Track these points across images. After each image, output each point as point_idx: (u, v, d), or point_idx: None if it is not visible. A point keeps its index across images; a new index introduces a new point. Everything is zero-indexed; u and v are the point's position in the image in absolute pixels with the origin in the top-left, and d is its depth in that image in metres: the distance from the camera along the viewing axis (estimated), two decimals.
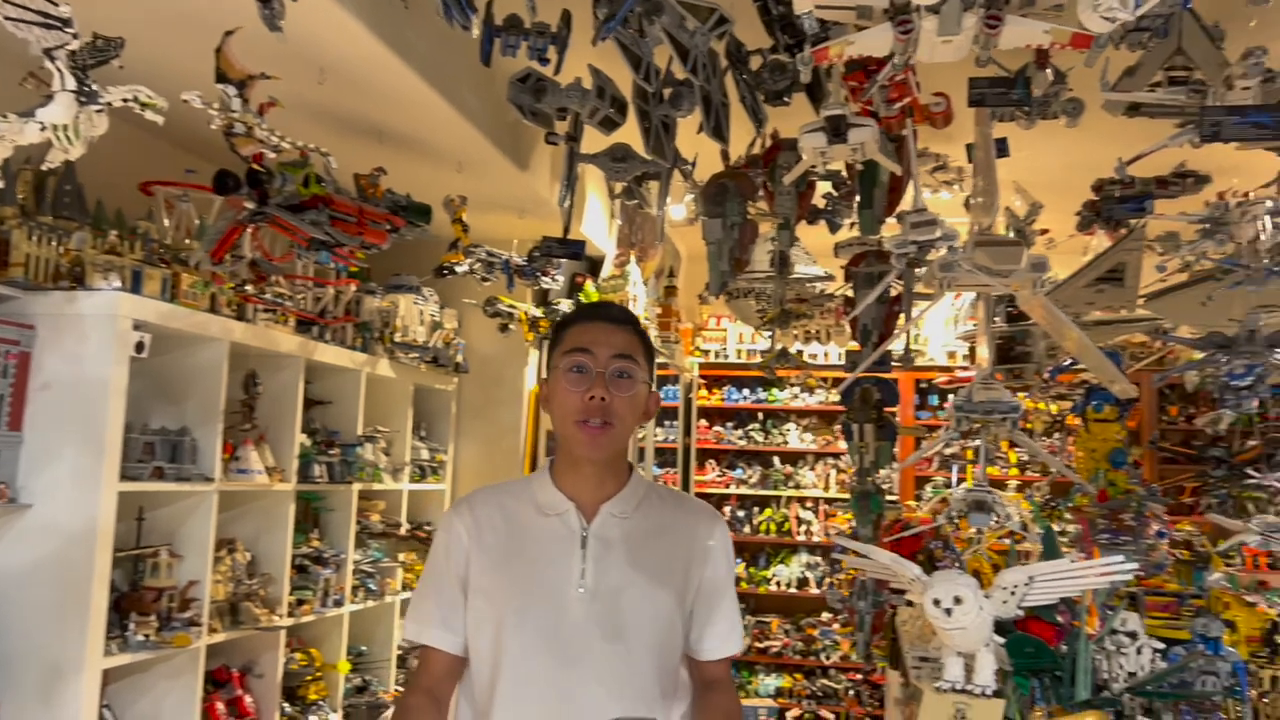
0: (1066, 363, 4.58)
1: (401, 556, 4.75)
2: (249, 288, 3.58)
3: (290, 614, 3.87)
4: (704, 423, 7.31)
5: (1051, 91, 3.09)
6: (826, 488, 7.14)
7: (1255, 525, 2.46)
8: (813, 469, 7.23)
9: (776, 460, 7.25)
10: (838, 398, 7.15)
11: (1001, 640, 2.18)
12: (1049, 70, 3.04)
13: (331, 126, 3.62)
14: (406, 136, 3.75)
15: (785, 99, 3.26)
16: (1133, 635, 2.28)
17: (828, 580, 6.87)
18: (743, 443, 7.28)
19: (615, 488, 1.85)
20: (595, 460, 1.81)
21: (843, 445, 7.21)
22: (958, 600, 2.04)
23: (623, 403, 1.79)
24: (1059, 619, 2.26)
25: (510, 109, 3.00)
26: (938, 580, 2.07)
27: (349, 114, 3.55)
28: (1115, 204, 3.73)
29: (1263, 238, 2.34)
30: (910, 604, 3.98)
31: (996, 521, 3.00)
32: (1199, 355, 5.36)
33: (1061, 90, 3.13)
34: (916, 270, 3.77)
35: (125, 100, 2.06)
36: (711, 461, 7.31)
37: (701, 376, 7.23)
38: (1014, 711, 2.14)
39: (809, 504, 7.15)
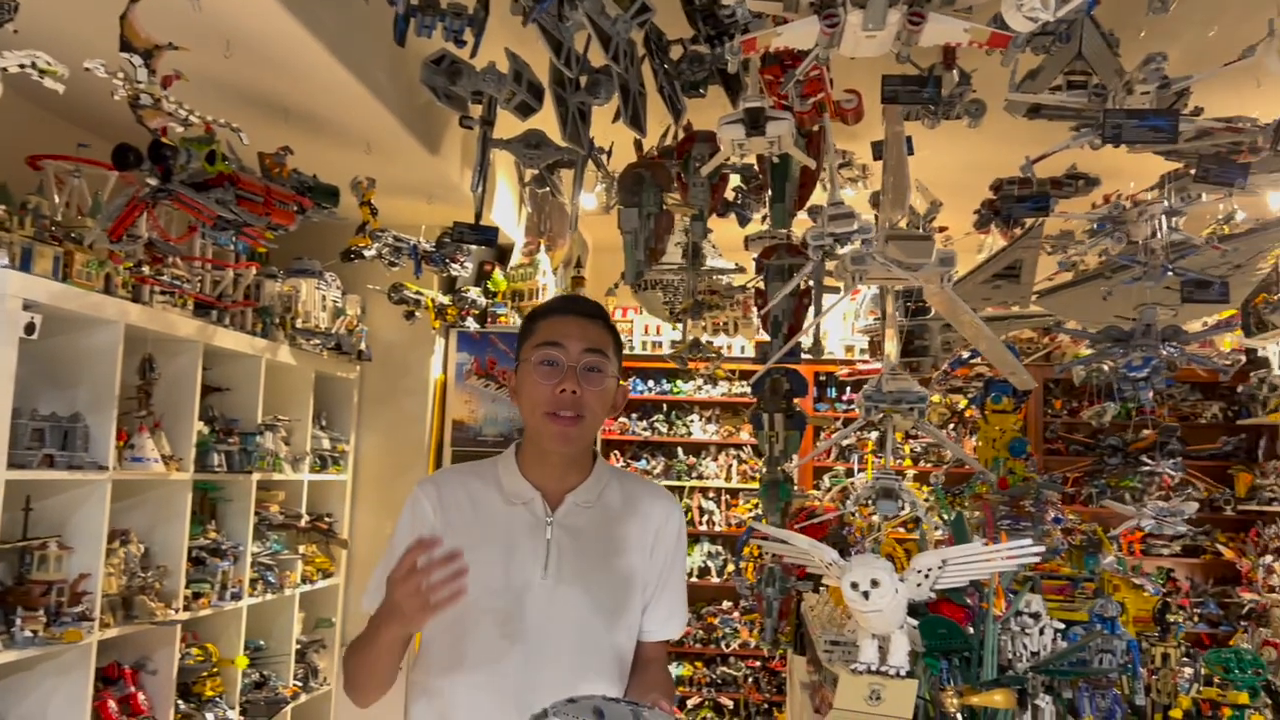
0: (965, 356, 4.74)
1: (302, 549, 4.63)
2: (145, 269, 3.43)
3: (186, 608, 3.74)
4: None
5: (957, 92, 3.19)
6: (728, 478, 7.23)
7: (1149, 510, 2.59)
8: (715, 460, 7.30)
9: (680, 451, 7.31)
10: (741, 390, 7.31)
11: (915, 622, 2.25)
12: (955, 71, 3.14)
13: (236, 102, 3.49)
14: (314, 115, 3.64)
15: (701, 90, 3.28)
16: (1036, 616, 2.37)
17: (731, 567, 6.96)
18: (647, 434, 7.32)
19: (580, 477, 1.88)
20: (563, 452, 1.84)
21: (745, 436, 7.34)
22: (875, 583, 2.09)
23: (593, 396, 1.82)
24: (968, 601, 2.33)
25: (422, 91, 2.94)
26: (855, 564, 2.11)
27: (255, 90, 3.43)
28: (1015, 203, 3.85)
29: (1159, 235, 2.45)
30: (817, 590, 4.08)
31: (903, 509, 3.08)
32: (1086, 350, 5.61)
33: (966, 91, 3.23)
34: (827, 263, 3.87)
35: (22, 66, 1.95)
36: (616, 452, 7.32)
37: None
38: (924, 691, 2.20)
39: (711, 494, 7.24)
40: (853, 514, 3.95)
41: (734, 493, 7.26)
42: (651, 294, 4.57)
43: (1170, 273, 2.43)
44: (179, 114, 2.48)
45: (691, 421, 7.35)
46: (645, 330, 7.27)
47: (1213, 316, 4.09)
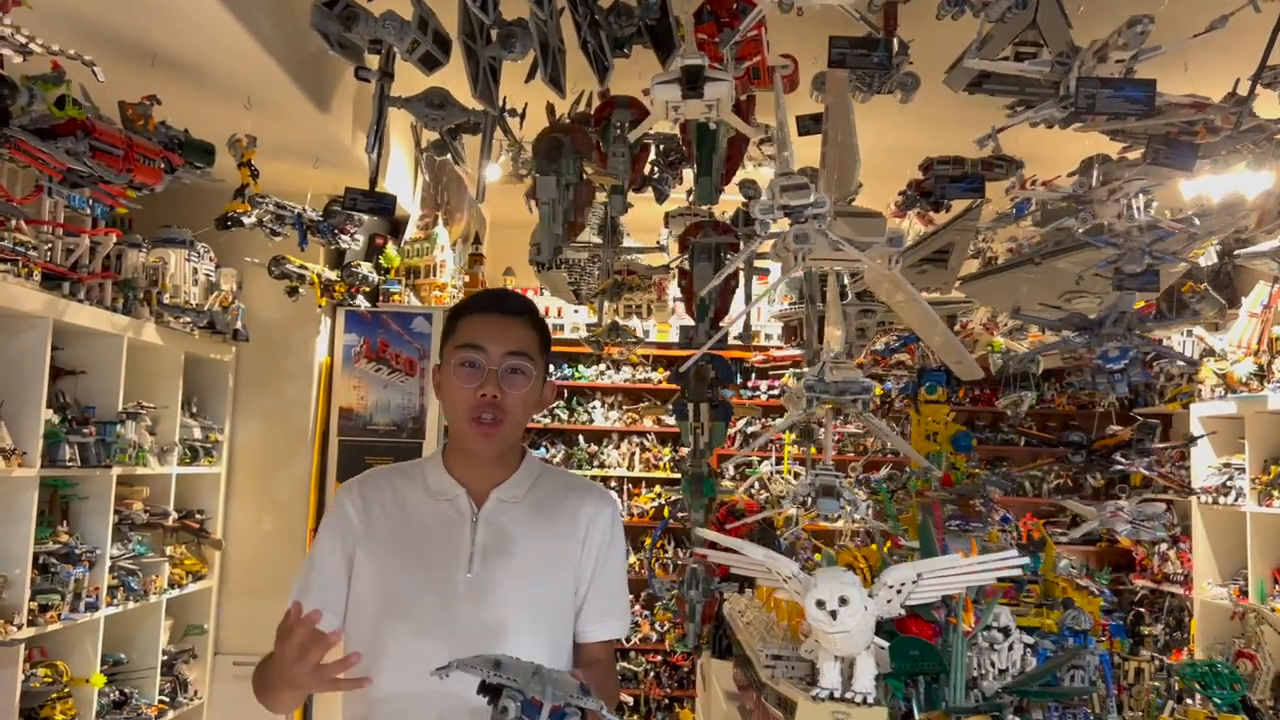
0: (890, 344, 4.58)
1: (170, 550, 4.17)
2: None
3: (31, 623, 3.27)
4: None
5: (896, 63, 3.00)
6: (631, 467, 6.98)
7: (1125, 514, 2.42)
8: (617, 448, 7.04)
9: (581, 439, 7.01)
10: (643, 376, 7.05)
11: (882, 642, 2.02)
12: (895, 40, 2.95)
13: (93, 42, 3.00)
14: (186, 61, 3.19)
15: (625, 50, 2.99)
16: (1005, 631, 2.18)
17: (634, 559, 6.72)
18: (546, 420, 7.00)
19: (507, 473, 1.83)
20: (486, 453, 1.79)
21: (647, 424, 7.09)
22: (843, 601, 1.86)
23: (515, 400, 1.77)
24: (936, 616, 2.12)
25: (312, 38, 2.59)
26: (821, 579, 1.87)
27: (115, 29, 2.97)
28: (949, 184, 3.69)
29: (1138, 216, 2.27)
30: (742, 591, 3.85)
31: (843, 507, 2.86)
32: (999, 340, 5.51)
33: (904, 62, 3.05)
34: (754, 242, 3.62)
35: None
36: None
37: None
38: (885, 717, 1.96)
39: (613, 483, 6.96)
40: (778, 511, 3.73)
41: (636, 482, 7.02)
42: (556, 274, 4.25)
43: (1148, 257, 2.25)
44: (15, 40, 2.04)
45: (593, 408, 7.07)
46: (545, 312, 6.91)
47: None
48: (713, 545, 2.12)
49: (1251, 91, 2.61)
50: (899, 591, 1.92)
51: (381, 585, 1.75)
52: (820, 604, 1.86)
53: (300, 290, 4.46)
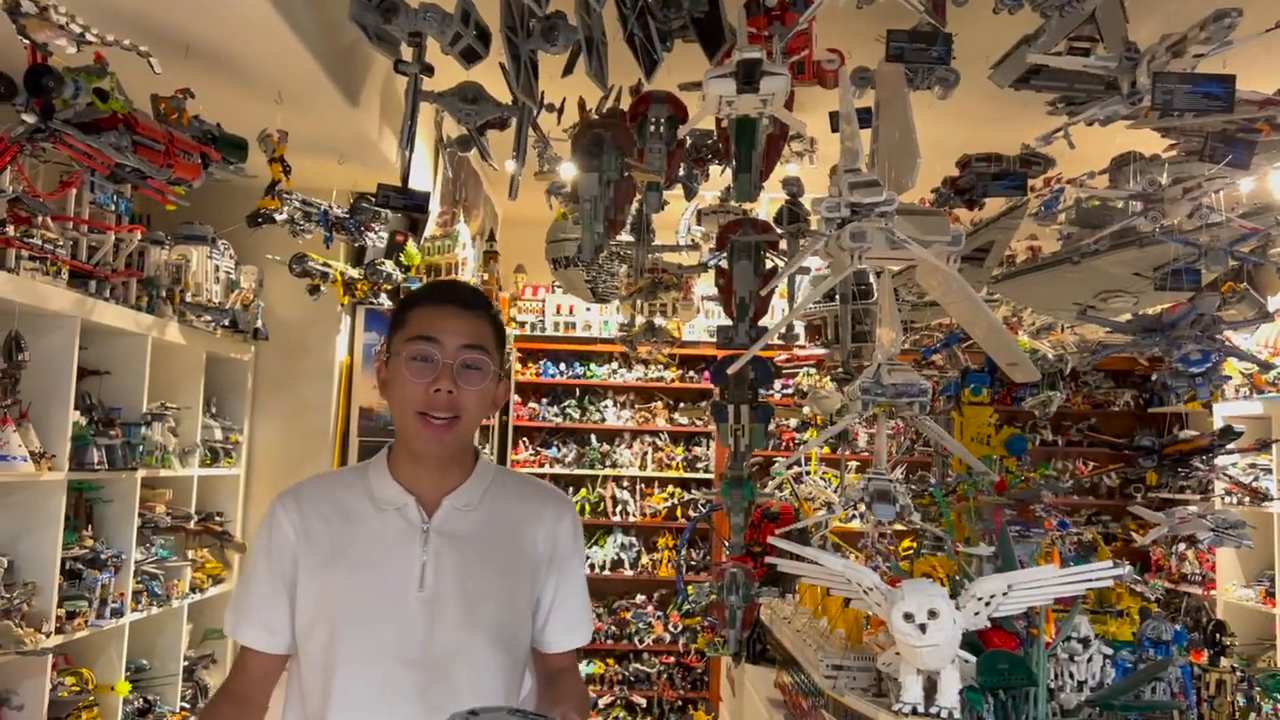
0: (938, 345, 4.52)
1: (191, 554, 4.08)
2: (9, 229, 2.86)
3: (59, 630, 3.18)
4: (518, 399, 6.89)
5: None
6: (643, 466, 6.91)
7: (1208, 521, 2.37)
8: (629, 447, 6.97)
9: (593, 438, 6.94)
10: (657, 375, 6.98)
11: (967, 656, 1.96)
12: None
13: (124, 32, 2.91)
14: (219, 53, 3.11)
15: (668, 45, 2.93)
16: (1085, 641, 2.13)
17: (646, 559, 6.65)
18: (559, 420, 6.93)
19: (459, 478, 1.71)
20: (437, 455, 1.66)
21: (660, 423, 7.02)
22: (933, 614, 1.81)
23: (470, 396, 1.65)
24: (1018, 628, 2.06)
25: (347, 30, 2.51)
26: (908, 591, 1.82)
27: (148, 18, 2.88)
28: (990, 181, 3.63)
29: (1216, 216, 2.21)
30: (783, 596, 3.79)
31: (899, 512, 2.80)
32: (1025, 339, 5.44)
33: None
34: (801, 240, 3.56)
35: None
36: (525, 440, 6.91)
37: (517, 350, 6.79)
38: None
39: (626, 483, 6.89)
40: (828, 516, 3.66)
41: (649, 481, 6.95)
42: (574, 272, 4.18)
43: (1230, 257, 2.19)
44: (71, 29, 1.96)
45: (605, 407, 7.00)
46: (558, 310, 6.87)
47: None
48: (781, 553, 2.04)
49: None
50: (987, 604, 1.87)
51: (328, 607, 1.62)
52: (909, 617, 1.80)
53: (322, 289, 4.36)
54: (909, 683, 1.86)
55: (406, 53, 2.67)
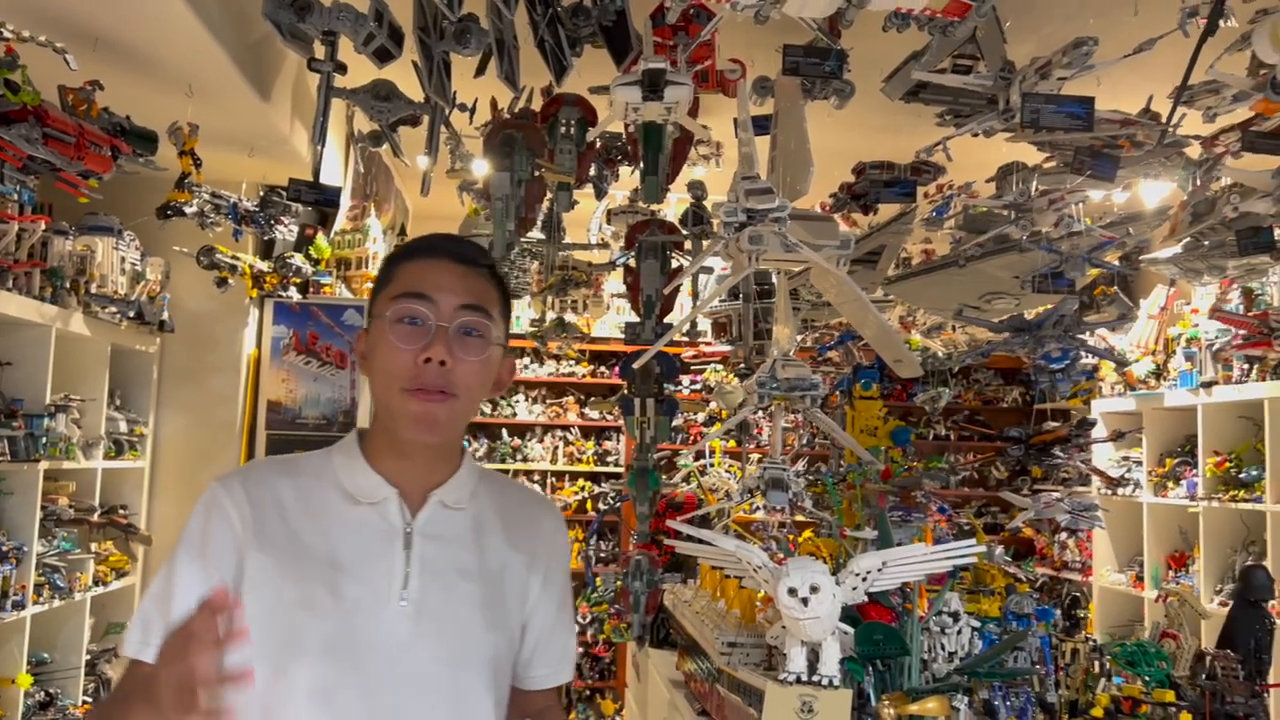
0: (832, 343, 4.72)
1: (95, 546, 4.04)
2: None
3: None
4: None
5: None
6: (554, 460, 7.01)
7: (1065, 505, 2.58)
8: (540, 441, 7.07)
9: (504, 433, 7.02)
10: (569, 370, 7.09)
11: (846, 628, 2.12)
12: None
13: (29, 22, 2.91)
14: (129, 45, 3.12)
15: (578, 50, 3.05)
16: (955, 615, 2.31)
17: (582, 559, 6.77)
18: None
19: (448, 471, 1.42)
20: (427, 442, 1.36)
21: (571, 417, 7.13)
22: (814, 589, 1.96)
23: (469, 369, 1.34)
24: (893, 602, 2.23)
25: (257, 25, 2.56)
26: (793, 568, 1.97)
27: (57, 7, 2.88)
28: (883, 188, 3.83)
29: (1076, 225, 2.42)
30: (685, 582, 3.93)
31: (792, 499, 2.97)
32: (917, 338, 5.71)
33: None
34: (705, 241, 3.70)
35: None
36: None
37: None
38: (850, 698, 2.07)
39: (536, 477, 6.99)
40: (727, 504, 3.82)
41: (560, 475, 7.05)
42: None
43: (1088, 263, 2.41)
44: None
45: (517, 402, 7.08)
46: None
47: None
48: (680, 536, 2.16)
49: (1172, 112, 2.79)
50: (864, 579, 2.03)
51: (284, 620, 1.30)
52: (793, 592, 1.95)
53: (230, 281, 4.36)
54: (794, 654, 2.00)
55: (319, 50, 2.73)
